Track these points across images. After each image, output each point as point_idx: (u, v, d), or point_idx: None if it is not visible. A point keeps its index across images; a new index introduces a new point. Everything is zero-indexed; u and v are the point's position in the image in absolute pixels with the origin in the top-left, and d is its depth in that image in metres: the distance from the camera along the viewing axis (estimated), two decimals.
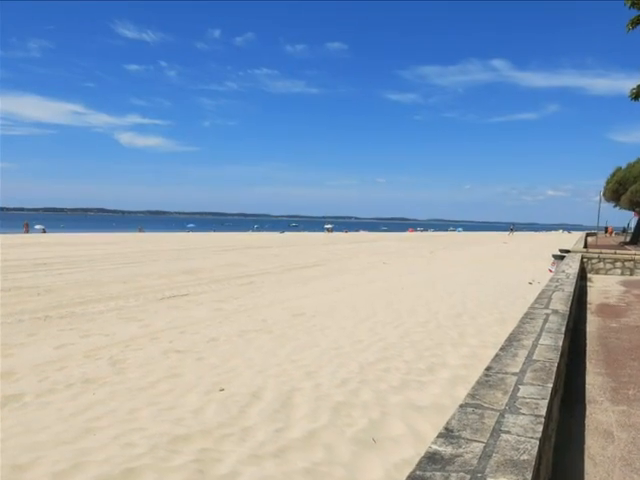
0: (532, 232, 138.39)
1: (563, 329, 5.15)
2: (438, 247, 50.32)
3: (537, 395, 3.10)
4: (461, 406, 2.89)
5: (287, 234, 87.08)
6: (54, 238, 52.58)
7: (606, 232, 62.20)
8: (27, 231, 68.91)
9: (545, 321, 5.56)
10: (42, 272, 21.99)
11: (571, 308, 7.28)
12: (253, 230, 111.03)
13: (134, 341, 10.67)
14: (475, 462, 2.20)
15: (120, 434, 6.11)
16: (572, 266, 13.79)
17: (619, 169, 43.31)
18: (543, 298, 7.48)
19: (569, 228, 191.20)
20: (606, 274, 18.53)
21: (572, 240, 44.88)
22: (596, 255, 19.11)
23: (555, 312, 6.17)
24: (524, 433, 2.51)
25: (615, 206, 47.20)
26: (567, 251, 20.44)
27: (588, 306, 11.09)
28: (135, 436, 6.06)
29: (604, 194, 41.50)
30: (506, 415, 2.76)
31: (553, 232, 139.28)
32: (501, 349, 4.25)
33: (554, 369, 3.66)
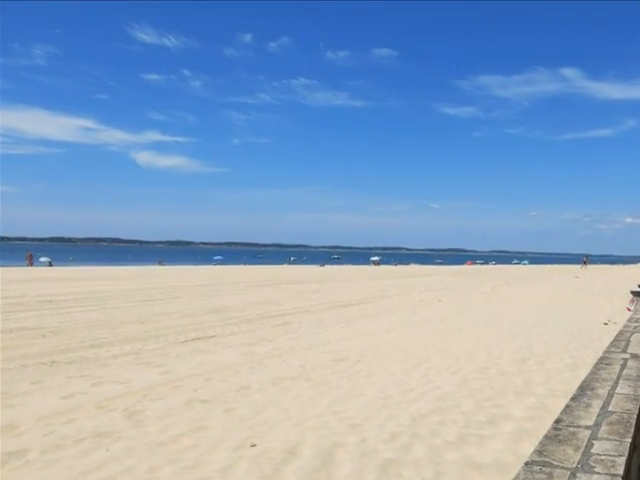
0: (608, 265, 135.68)
1: None
2: (500, 282, 49.75)
3: (613, 451, 3.10)
4: (527, 464, 2.91)
5: (328, 267, 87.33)
6: (62, 272, 53.55)
7: None
8: (31, 264, 69.97)
9: (623, 367, 5.51)
10: (48, 311, 22.41)
11: None
12: (289, 263, 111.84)
13: (153, 389, 10.79)
14: None
15: None
16: None
17: None
18: (620, 340, 7.39)
19: None
20: None
21: None
22: None
23: (634, 357, 6.10)
24: None
25: None
26: None
27: None
28: None
29: None
30: (578, 474, 2.77)
31: (631, 265, 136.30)
32: (572, 399, 4.24)
33: (633, 422, 3.65)
